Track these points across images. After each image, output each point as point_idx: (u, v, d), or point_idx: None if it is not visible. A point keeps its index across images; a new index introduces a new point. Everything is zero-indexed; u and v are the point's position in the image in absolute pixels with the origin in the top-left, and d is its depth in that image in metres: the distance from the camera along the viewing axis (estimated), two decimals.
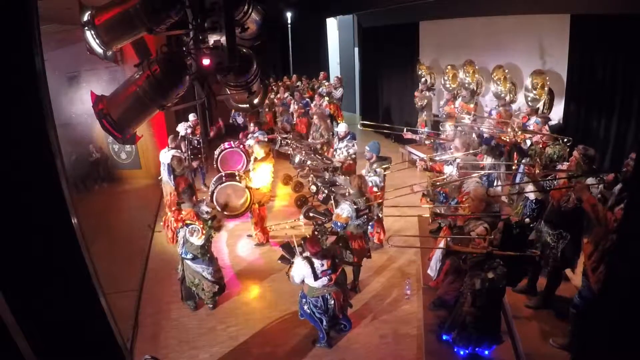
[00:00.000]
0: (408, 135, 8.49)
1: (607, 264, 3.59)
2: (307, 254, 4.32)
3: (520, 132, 5.97)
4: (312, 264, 4.24)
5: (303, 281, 4.37)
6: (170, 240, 5.08)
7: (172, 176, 7.09)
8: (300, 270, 4.29)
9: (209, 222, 4.97)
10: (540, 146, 5.76)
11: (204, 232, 4.88)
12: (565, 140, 5.69)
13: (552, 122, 6.21)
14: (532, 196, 5.26)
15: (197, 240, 4.89)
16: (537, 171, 4.95)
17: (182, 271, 5.20)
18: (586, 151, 4.47)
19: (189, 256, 5.03)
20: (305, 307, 4.51)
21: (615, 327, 2.31)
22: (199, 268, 5.10)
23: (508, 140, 6.06)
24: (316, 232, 5.89)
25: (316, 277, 4.25)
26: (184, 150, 7.61)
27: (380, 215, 6.23)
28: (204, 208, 5.04)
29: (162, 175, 7.24)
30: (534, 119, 6.81)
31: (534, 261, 4.51)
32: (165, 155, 7.08)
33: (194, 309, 5.34)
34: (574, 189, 3.93)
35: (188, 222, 4.86)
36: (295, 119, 10.39)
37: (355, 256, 5.32)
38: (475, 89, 8.61)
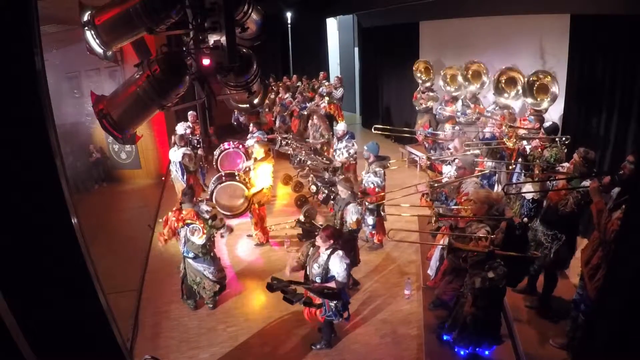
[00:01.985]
0: (420, 138, 8.51)
1: (605, 271, 3.57)
2: (329, 249, 4.21)
3: (518, 141, 5.93)
4: (344, 254, 4.21)
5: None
6: (162, 241, 5.01)
7: (184, 174, 7.19)
8: (345, 263, 4.15)
9: (210, 221, 4.99)
10: (539, 150, 5.72)
11: (204, 231, 4.89)
12: (564, 139, 5.68)
13: (547, 123, 6.15)
14: (528, 195, 5.26)
15: (198, 239, 4.91)
16: (537, 171, 4.95)
17: (184, 269, 5.21)
18: (587, 154, 4.43)
19: (191, 255, 5.05)
20: (343, 301, 4.40)
21: (615, 330, 2.31)
22: (200, 267, 5.12)
23: (512, 147, 6.03)
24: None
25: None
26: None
27: (379, 213, 6.25)
28: (204, 207, 5.05)
29: (173, 174, 7.36)
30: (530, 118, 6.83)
31: (534, 262, 4.51)
32: (176, 154, 7.15)
33: (194, 309, 5.35)
34: (589, 188, 3.90)
35: (188, 221, 4.88)
36: (287, 119, 10.44)
37: (357, 255, 5.36)
38: (477, 90, 8.58)
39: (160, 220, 5.04)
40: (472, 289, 3.82)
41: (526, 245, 4.52)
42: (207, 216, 5.00)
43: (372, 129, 8.29)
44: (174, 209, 5.04)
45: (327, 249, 4.21)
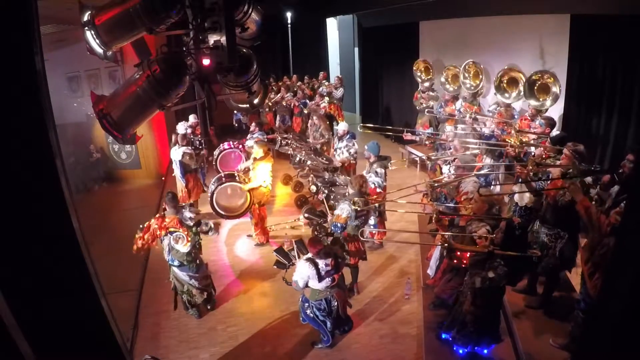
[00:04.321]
0: (408, 136, 8.51)
1: (603, 270, 3.58)
2: (309, 255, 4.29)
3: (523, 146, 5.85)
4: (316, 265, 4.19)
5: (306, 285, 4.31)
6: (138, 245, 4.74)
7: (183, 173, 7.21)
8: (303, 272, 4.21)
9: (194, 228, 4.86)
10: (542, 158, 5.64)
11: (189, 239, 4.76)
12: None
13: (554, 132, 6.02)
14: (521, 202, 5.24)
15: (183, 247, 4.76)
16: (530, 167, 4.91)
17: (173, 279, 5.13)
18: (576, 147, 4.40)
19: (176, 263, 4.91)
20: (308, 312, 4.48)
21: (615, 329, 2.31)
22: (185, 276, 4.99)
23: (512, 151, 5.96)
24: (316, 232, 5.88)
25: (320, 278, 4.22)
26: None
27: (380, 212, 6.24)
28: (187, 214, 4.87)
29: (175, 173, 7.36)
30: (537, 120, 6.78)
31: (533, 261, 4.50)
32: (176, 153, 7.16)
33: (199, 317, 5.25)
34: (568, 189, 3.90)
35: (172, 229, 4.73)
36: (287, 118, 10.50)
37: (352, 257, 5.31)
38: (477, 90, 8.60)
39: (142, 225, 4.79)
40: (472, 288, 3.82)
41: (525, 245, 4.51)
42: (190, 223, 4.84)
43: (358, 127, 8.28)
44: (157, 215, 4.89)
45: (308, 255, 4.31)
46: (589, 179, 4.24)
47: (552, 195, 4.46)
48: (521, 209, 5.27)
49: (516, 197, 5.31)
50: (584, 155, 4.45)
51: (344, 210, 5.00)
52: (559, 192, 4.34)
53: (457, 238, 4.31)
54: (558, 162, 4.83)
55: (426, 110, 9.67)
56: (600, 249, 3.64)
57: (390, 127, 8.82)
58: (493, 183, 6.23)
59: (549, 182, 4.70)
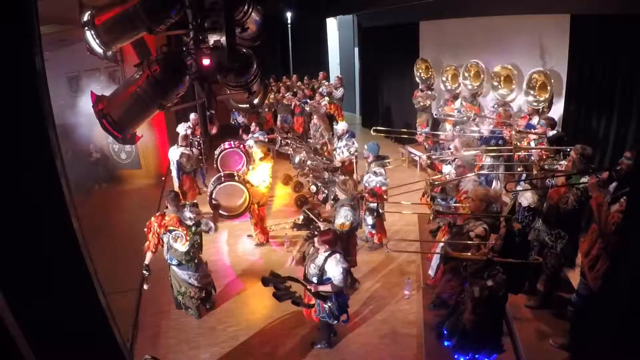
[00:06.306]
0: (421, 138, 8.51)
1: (604, 262, 3.61)
2: (326, 249, 4.18)
3: (520, 149, 5.85)
4: (343, 254, 4.21)
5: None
6: (147, 247, 4.86)
7: (179, 173, 7.22)
8: (344, 265, 4.13)
9: (193, 228, 4.84)
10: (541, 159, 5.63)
11: (187, 238, 4.75)
12: (569, 149, 5.63)
13: (551, 132, 6.01)
14: (525, 202, 5.24)
15: (181, 246, 4.76)
16: (535, 172, 4.92)
17: (172, 279, 5.10)
18: (584, 150, 4.43)
19: (174, 262, 4.90)
20: (339, 304, 4.34)
21: (615, 325, 2.31)
22: (184, 275, 4.98)
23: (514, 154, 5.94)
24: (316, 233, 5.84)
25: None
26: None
27: (378, 213, 6.24)
28: (187, 214, 4.84)
29: (171, 173, 7.40)
30: (536, 119, 6.77)
31: (535, 268, 4.48)
32: (174, 153, 7.18)
33: (198, 317, 5.24)
34: (587, 184, 3.92)
35: (171, 228, 4.73)
36: (289, 118, 10.52)
37: (353, 256, 5.33)
38: (477, 90, 8.60)
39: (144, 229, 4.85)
40: (472, 297, 3.78)
41: (527, 252, 4.49)
42: (190, 223, 4.83)
43: (372, 131, 8.27)
44: (157, 214, 4.88)
45: (325, 251, 4.19)
46: (583, 179, 4.25)
47: (554, 199, 4.47)
48: (524, 209, 5.27)
49: (519, 197, 5.31)
50: (591, 158, 4.48)
51: (347, 217, 4.98)
52: (562, 200, 4.36)
53: (455, 237, 4.30)
54: (556, 162, 4.85)
55: (424, 109, 9.69)
56: (602, 241, 3.67)
57: (405, 130, 8.74)
58: (493, 183, 6.24)
59: (553, 180, 4.70)
